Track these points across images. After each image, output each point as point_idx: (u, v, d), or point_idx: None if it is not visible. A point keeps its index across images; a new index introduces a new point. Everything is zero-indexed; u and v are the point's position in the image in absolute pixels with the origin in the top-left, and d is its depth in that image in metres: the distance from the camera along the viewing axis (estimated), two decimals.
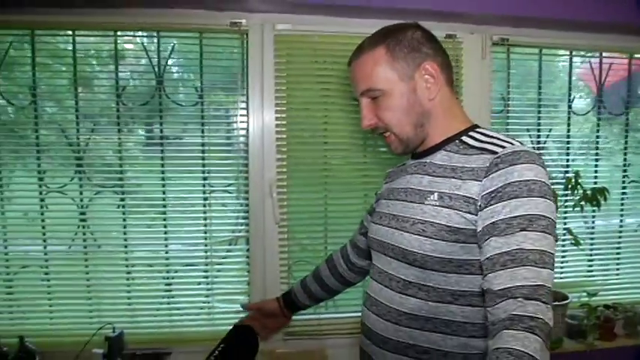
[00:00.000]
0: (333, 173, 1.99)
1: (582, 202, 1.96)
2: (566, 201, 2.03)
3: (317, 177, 1.98)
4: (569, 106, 2.20)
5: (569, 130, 2.22)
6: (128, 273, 1.97)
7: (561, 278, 2.23)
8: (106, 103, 1.94)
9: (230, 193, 1.99)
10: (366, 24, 1.85)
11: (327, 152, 1.98)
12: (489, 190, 0.95)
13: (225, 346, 1.01)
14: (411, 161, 1.18)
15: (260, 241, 1.94)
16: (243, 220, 1.98)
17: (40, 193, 1.92)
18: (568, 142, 2.22)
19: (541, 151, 2.16)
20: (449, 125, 1.11)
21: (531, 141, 2.17)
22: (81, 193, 1.94)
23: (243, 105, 1.94)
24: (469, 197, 0.98)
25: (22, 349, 1.80)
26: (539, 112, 2.17)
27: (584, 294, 2.11)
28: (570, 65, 2.19)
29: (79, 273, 1.96)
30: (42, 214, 1.94)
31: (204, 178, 1.96)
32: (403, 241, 1.07)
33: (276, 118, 1.92)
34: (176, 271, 1.99)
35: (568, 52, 2.19)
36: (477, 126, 1.12)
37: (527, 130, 2.17)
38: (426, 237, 1.02)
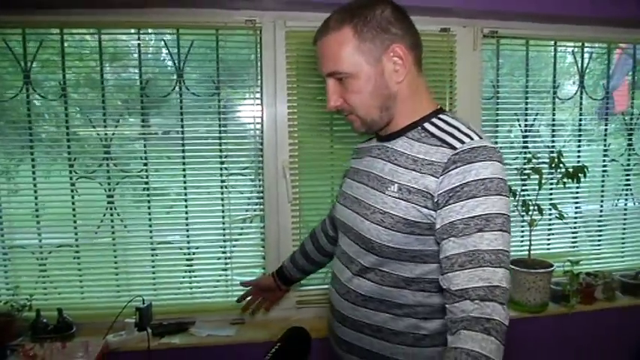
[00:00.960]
0: (339, 157, 2.14)
1: (564, 179, 2.15)
2: (551, 178, 2.22)
3: (325, 160, 2.14)
4: (554, 92, 2.38)
5: (554, 114, 2.40)
6: (153, 250, 2.15)
7: (548, 249, 2.44)
8: (130, 96, 2.11)
9: (245, 175, 2.17)
10: None
11: (334, 139, 2.14)
12: (447, 189, 0.96)
13: (281, 345, 1.02)
14: (375, 143, 1.18)
15: (274, 218, 2.13)
16: (258, 200, 2.16)
17: (71, 179, 2.09)
18: (553, 125, 2.40)
19: (528, 134, 2.35)
20: (414, 109, 1.09)
21: (519, 124, 2.35)
22: (108, 179, 2.11)
23: (258, 95, 2.10)
24: (426, 192, 0.99)
25: (60, 320, 1.98)
26: (526, 97, 2.36)
27: (568, 263, 2.31)
28: (555, 55, 2.38)
29: (107, 251, 2.14)
30: (72, 197, 2.10)
31: (222, 162, 2.13)
32: (363, 228, 1.08)
33: (288, 107, 2.08)
34: (197, 248, 2.17)
35: (553, 43, 2.36)
36: (441, 110, 1.11)
37: (516, 114, 2.35)
38: (384, 227, 1.03)
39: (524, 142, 2.36)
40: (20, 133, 2.07)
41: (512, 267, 2.19)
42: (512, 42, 2.30)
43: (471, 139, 0.99)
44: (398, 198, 1.03)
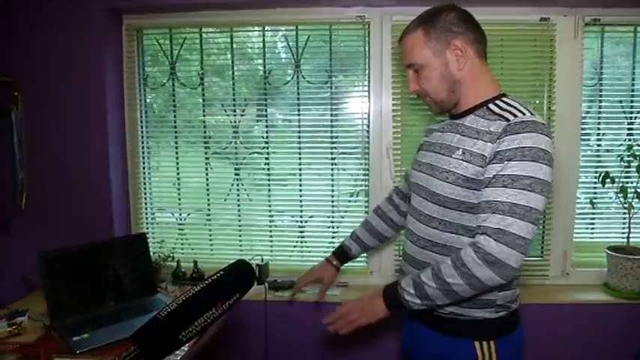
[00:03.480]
0: None
1: None
2: None
3: None
4: None
5: None
6: (271, 217, 2.50)
7: None
8: (255, 85, 2.45)
9: (352, 155, 2.42)
10: (472, 12, 2.15)
11: (432, 123, 2.30)
12: (495, 151, 1.19)
13: (224, 273, 1.01)
14: (449, 121, 1.42)
15: (378, 193, 2.35)
16: (364, 177, 2.41)
17: (206, 156, 2.50)
18: None
19: (634, 122, 2.35)
20: (477, 92, 1.32)
21: (624, 111, 2.36)
22: (236, 156, 2.48)
23: (366, 83, 2.34)
24: (483, 155, 1.22)
25: (195, 270, 2.40)
26: (632, 86, 2.33)
27: None
28: None
29: (233, 216, 2.53)
30: (206, 171, 2.51)
31: (332, 143, 2.41)
32: (432, 185, 1.33)
33: (393, 95, 2.31)
34: (311, 217, 2.48)
35: None
36: (504, 95, 1.33)
37: (620, 101, 2.35)
38: (448, 183, 1.27)
39: (630, 131, 2.35)
40: (166, 118, 2.51)
41: (610, 252, 2.24)
42: (616, 29, 2.31)
43: (523, 114, 1.22)
44: (461, 160, 1.27)
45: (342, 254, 1.79)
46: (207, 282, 0.96)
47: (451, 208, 1.29)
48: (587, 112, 2.36)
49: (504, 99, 1.30)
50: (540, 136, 1.17)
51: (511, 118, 1.21)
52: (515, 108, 1.24)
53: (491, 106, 1.29)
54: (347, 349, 2.36)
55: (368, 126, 2.36)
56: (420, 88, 1.38)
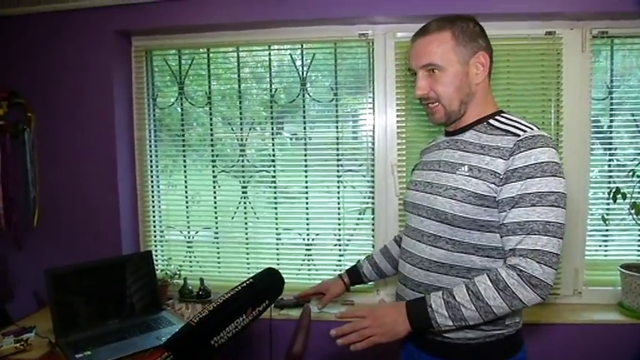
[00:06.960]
0: None
1: None
2: None
3: None
4: None
5: None
6: (278, 234, 2.50)
7: None
8: (262, 104, 2.47)
9: (358, 172, 2.42)
10: None
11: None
12: (511, 169, 1.17)
13: (253, 281, 1.03)
14: (444, 138, 1.40)
15: (383, 210, 2.35)
16: (370, 194, 2.40)
17: (213, 174, 2.52)
18: None
19: None
20: (482, 108, 1.32)
21: (636, 125, 2.30)
22: (243, 174, 2.50)
23: (370, 100, 2.35)
24: (495, 171, 1.20)
25: (201, 288, 2.41)
26: None
27: None
28: None
29: (240, 234, 2.53)
30: (214, 188, 2.53)
31: (338, 160, 2.40)
32: (437, 203, 1.28)
33: (397, 112, 2.30)
34: (317, 234, 2.48)
35: None
36: (502, 111, 1.33)
37: (632, 114, 2.29)
38: (457, 200, 1.23)
39: None
40: (175, 137, 2.55)
41: (623, 270, 2.18)
42: (626, 42, 2.27)
43: (531, 129, 1.22)
44: (468, 176, 1.24)
45: (353, 272, 1.77)
46: (237, 289, 0.99)
47: (459, 226, 1.25)
48: (598, 127, 2.31)
49: (504, 115, 1.31)
50: (552, 149, 1.19)
51: (521, 133, 1.21)
52: (520, 123, 1.25)
53: (491, 121, 1.30)
54: None
55: (373, 143, 2.35)
56: (430, 91, 1.30)
